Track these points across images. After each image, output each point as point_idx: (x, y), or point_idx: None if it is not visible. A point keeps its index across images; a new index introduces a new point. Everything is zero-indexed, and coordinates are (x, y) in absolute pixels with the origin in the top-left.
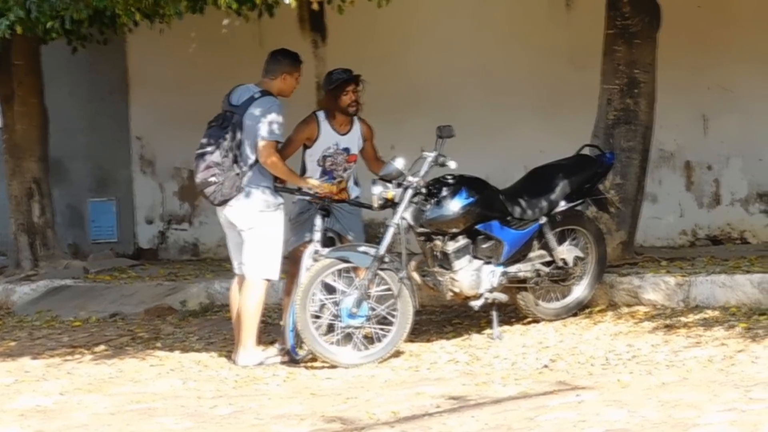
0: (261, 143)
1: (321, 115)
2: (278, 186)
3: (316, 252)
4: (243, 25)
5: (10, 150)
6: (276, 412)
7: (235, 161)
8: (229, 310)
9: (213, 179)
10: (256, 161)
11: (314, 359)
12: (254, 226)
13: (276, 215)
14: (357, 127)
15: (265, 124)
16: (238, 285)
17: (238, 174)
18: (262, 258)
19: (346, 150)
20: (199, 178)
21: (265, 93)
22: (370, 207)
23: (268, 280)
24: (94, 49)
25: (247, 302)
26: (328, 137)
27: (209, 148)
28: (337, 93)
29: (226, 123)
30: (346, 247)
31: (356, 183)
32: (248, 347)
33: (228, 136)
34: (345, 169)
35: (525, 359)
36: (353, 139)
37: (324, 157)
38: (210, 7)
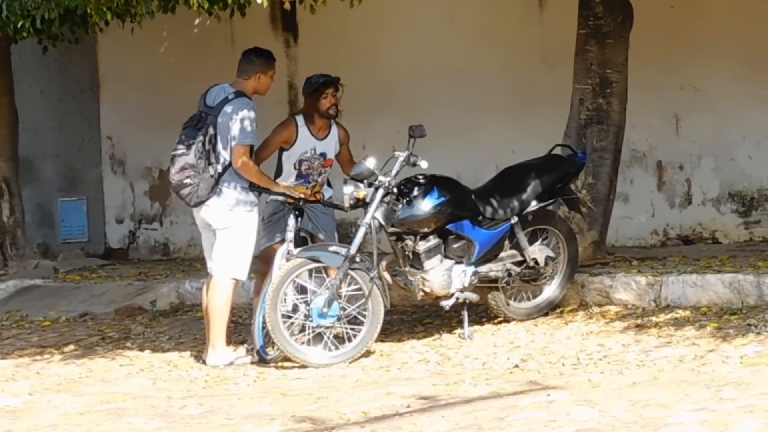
0: (233, 146)
1: (300, 119)
2: (253, 187)
3: (289, 252)
4: (214, 24)
5: None
6: (246, 412)
7: (210, 162)
8: (201, 310)
9: (188, 181)
10: (230, 163)
11: (285, 359)
12: (229, 225)
13: (251, 215)
14: (334, 131)
15: (238, 128)
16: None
17: (213, 175)
18: (231, 257)
19: (323, 155)
20: (175, 179)
21: (239, 94)
22: (342, 208)
23: (236, 280)
24: (64, 49)
25: (215, 301)
26: (305, 142)
27: (184, 149)
28: (317, 96)
29: (201, 124)
30: (317, 247)
31: (329, 184)
32: (217, 347)
33: (202, 138)
34: (320, 173)
35: (496, 359)
36: (330, 144)
37: (300, 161)
38: (181, 7)
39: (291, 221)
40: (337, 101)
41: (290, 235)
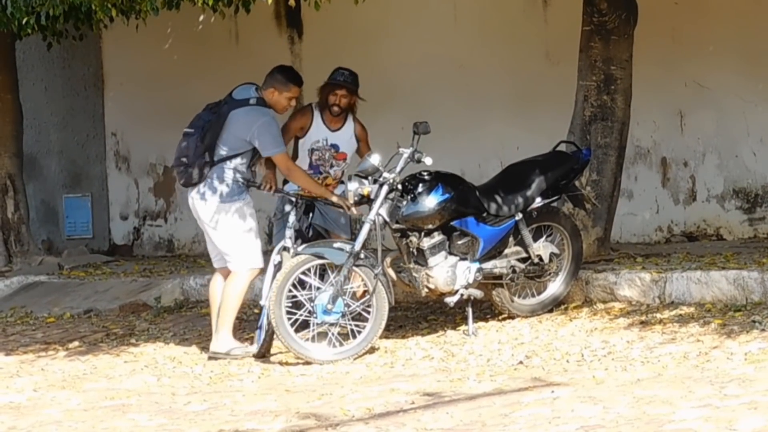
0: (275, 156)
1: (316, 108)
2: (250, 183)
3: (285, 248)
4: (219, 21)
5: None
6: (250, 409)
7: (207, 149)
8: (205, 306)
9: (184, 160)
10: (226, 158)
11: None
12: (218, 220)
13: (240, 208)
14: (350, 126)
15: (269, 137)
16: (219, 278)
17: (207, 162)
18: (240, 251)
19: (335, 147)
20: (176, 154)
21: (261, 101)
22: (345, 206)
23: (254, 270)
24: (69, 45)
25: (229, 291)
26: (318, 131)
27: (192, 129)
28: (328, 89)
29: (216, 110)
30: (321, 244)
31: (341, 180)
32: (221, 334)
33: (212, 124)
34: (332, 166)
35: (500, 355)
36: (344, 138)
37: (312, 150)
38: (185, 3)
39: (291, 217)
40: (343, 104)
41: (289, 231)
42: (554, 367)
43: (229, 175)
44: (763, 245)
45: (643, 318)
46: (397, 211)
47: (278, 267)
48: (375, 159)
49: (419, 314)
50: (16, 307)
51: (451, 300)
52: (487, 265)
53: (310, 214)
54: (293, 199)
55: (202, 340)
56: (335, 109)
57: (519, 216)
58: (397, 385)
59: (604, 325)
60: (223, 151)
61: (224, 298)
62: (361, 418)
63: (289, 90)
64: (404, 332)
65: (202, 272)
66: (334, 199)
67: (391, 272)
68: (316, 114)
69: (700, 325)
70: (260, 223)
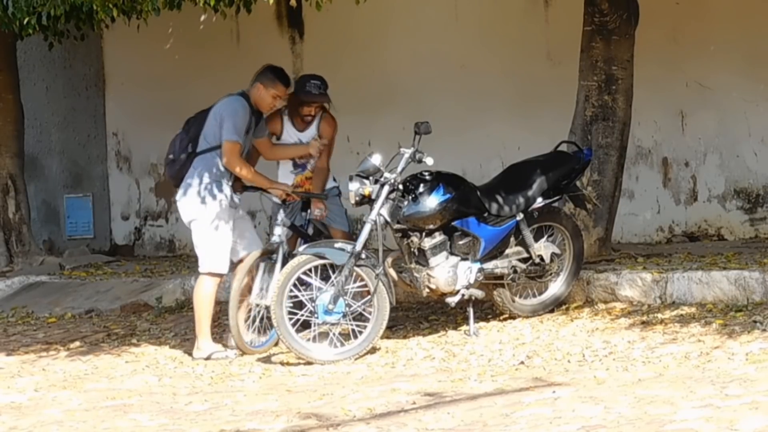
0: (224, 142)
1: (285, 113)
2: (236, 186)
3: (271, 243)
4: (220, 21)
5: None
6: (251, 409)
7: (188, 144)
8: None
9: (171, 156)
10: (204, 151)
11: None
12: (196, 218)
13: (217, 209)
14: (315, 124)
15: (230, 123)
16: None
17: (190, 153)
18: (205, 252)
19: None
20: (167, 151)
21: (244, 94)
22: (322, 196)
23: (217, 275)
24: (70, 45)
25: (195, 296)
26: (290, 134)
27: (187, 127)
28: (301, 102)
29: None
30: (322, 243)
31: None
32: (199, 341)
33: (198, 118)
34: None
35: (501, 356)
36: (311, 135)
37: None
38: (187, 4)
39: (280, 214)
40: (316, 113)
41: (279, 228)
42: (555, 367)
43: (210, 166)
44: (764, 245)
45: (645, 318)
46: (398, 211)
47: (268, 264)
48: (376, 159)
49: (420, 314)
50: (18, 308)
51: (452, 300)
52: (489, 266)
53: (308, 210)
54: (276, 200)
55: None
56: (308, 118)
57: (520, 216)
58: (398, 385)
59: (605, 325)
60: (205, 142)
61: (195, 306)
62: (362, 418)
63: (275, 87)
64: (405, 332)
65: None
66: (273, 187)
67: (392, 272)
68: (286, 119)
69: (701, 325)
70: (262, 223)
